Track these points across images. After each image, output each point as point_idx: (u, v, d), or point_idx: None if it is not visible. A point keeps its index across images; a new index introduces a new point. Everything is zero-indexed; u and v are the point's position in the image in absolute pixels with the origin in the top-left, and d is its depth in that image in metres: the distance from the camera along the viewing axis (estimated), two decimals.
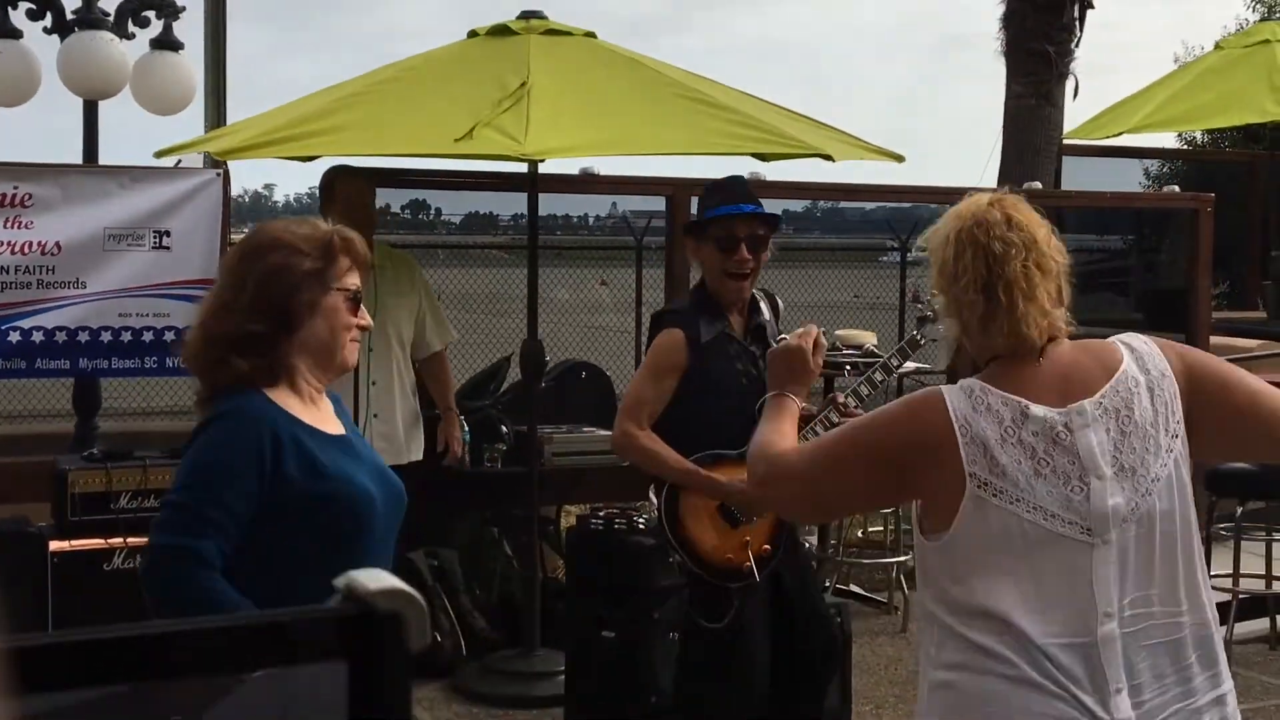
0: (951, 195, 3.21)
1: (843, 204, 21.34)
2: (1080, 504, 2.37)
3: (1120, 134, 11.32)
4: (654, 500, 4.29)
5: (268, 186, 78.67)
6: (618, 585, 5.25)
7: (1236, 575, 6.62)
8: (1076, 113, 11.40)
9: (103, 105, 7.35)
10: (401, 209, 21.30)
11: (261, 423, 2.56)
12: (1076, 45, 7.05)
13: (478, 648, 6.21)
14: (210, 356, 2.63)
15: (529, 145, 5.16)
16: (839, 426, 3.22)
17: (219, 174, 6.19)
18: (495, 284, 15.41)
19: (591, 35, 6.21)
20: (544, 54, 5.79)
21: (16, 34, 7.32)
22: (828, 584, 7.12)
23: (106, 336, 5.97)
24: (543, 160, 5.74)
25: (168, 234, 6.02)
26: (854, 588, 7.51)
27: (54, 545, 5.30)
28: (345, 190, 5.84)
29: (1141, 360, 2.48)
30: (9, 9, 7.24)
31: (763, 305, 4.38)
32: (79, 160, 7.17)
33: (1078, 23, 7.10)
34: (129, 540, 5.28)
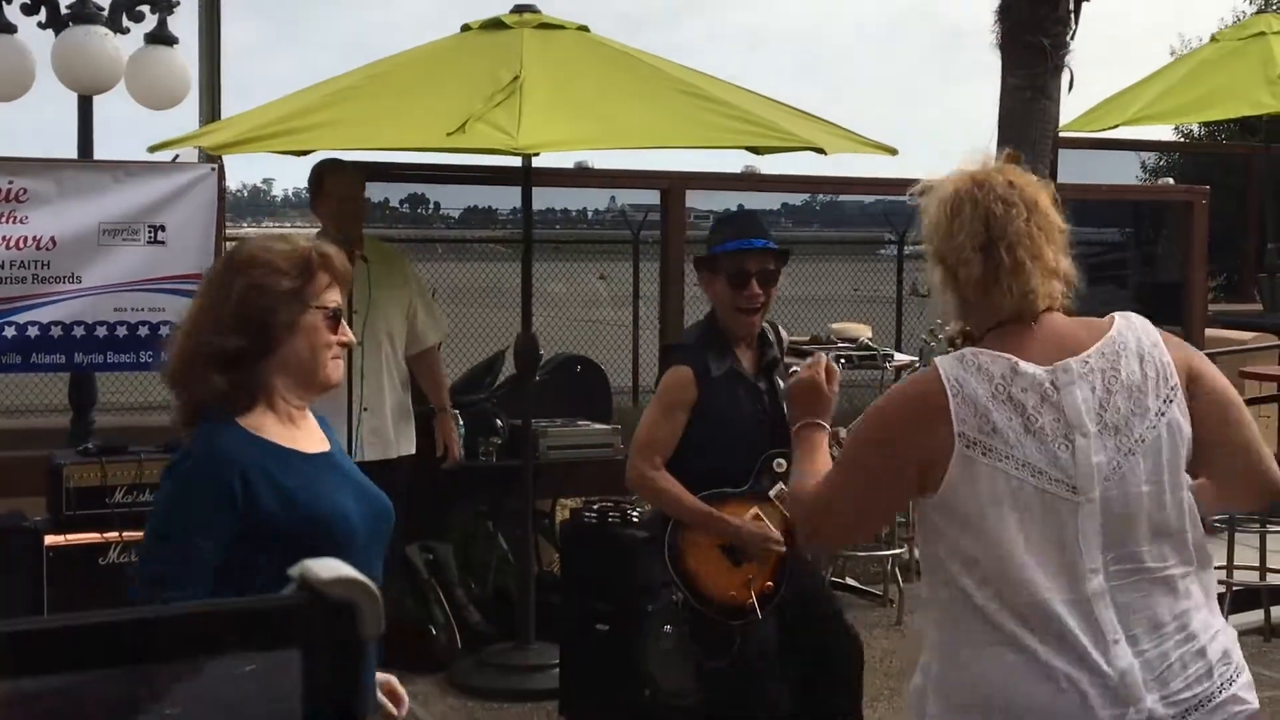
0: None
1: (841, 197, 21.31)
2: (1066, 461, 2.39)
3: (1116, 126, 11.29)
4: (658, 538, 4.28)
5: (266, 181, 78.82)
6: (612, 579, 5.26)
7: (1230, 567, 6.63)
8: (1072, 105, 11.39)
9: (97, 100, 7.36)
10: (400, 203, 21.29)
11: (233, 465, 2.53)
12: (1072, 38, 7.03)
13: (472, 641, 6.22)
14: (190, 374, 2.61)
15: (522, 139, 5.16)
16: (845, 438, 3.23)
17: (214, 169, 6.20)
18: (493, 278, 15.38)
19: (584, 29, 6.22)
20: (537, 48, 5.80)
21: (11, 28, 7.34)
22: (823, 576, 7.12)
23: (102, 331, 5.98)
24: (536, 154, 5.75)
25: (163, 228, 6.03)
26: (849, 580, 7.52)
27: (49, 539, 5.32)
28: (335, 183, 5.84)
29: (1134, 327, 2.50)
30: (3, 4, 7.26)
31: (770, 336, 4.40)
32: (73, 155, 7.19)
33: (1073, 15, 7.08)
34: (124, 535, 5.31)
